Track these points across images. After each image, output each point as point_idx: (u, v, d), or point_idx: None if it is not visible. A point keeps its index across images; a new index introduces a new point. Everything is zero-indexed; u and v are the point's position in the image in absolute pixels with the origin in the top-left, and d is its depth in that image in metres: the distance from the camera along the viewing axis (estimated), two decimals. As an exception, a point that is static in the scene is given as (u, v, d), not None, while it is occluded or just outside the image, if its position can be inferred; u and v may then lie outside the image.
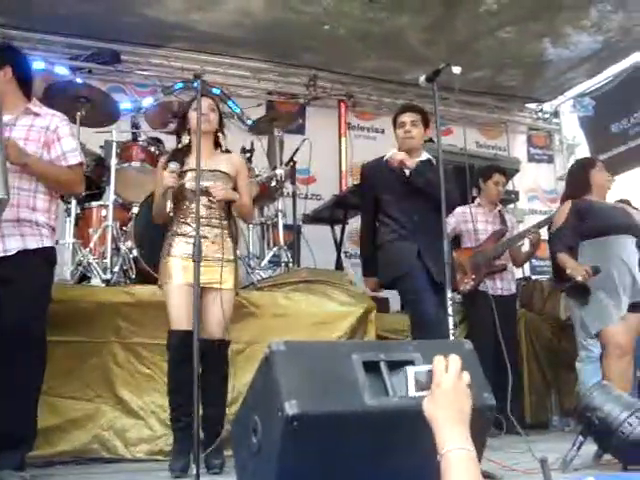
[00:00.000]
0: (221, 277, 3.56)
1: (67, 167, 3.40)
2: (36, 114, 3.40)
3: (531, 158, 9.29)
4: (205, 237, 3.57)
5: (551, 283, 6.14)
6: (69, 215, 4.88)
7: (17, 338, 3.10)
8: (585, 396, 3.47)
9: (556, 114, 9.29)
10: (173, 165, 3.65)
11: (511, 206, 7.17)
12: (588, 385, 4.10)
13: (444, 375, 1.55)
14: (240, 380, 3.89)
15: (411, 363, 2.28)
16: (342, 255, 6.73)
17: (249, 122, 6.46)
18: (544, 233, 5.33)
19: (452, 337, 3.38)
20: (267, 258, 5.56)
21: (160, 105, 5.87)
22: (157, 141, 5.34)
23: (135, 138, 5.31)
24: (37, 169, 3.29)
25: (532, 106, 9.19)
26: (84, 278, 4.66)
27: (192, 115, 3.76)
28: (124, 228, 4.89)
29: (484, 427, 2.38)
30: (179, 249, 3.65)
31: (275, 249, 5.60)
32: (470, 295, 5.37)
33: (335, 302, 4.69)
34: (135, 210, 4.82)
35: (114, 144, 4.94)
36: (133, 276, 4.68)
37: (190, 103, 3.91)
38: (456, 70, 3.62)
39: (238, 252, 4.12)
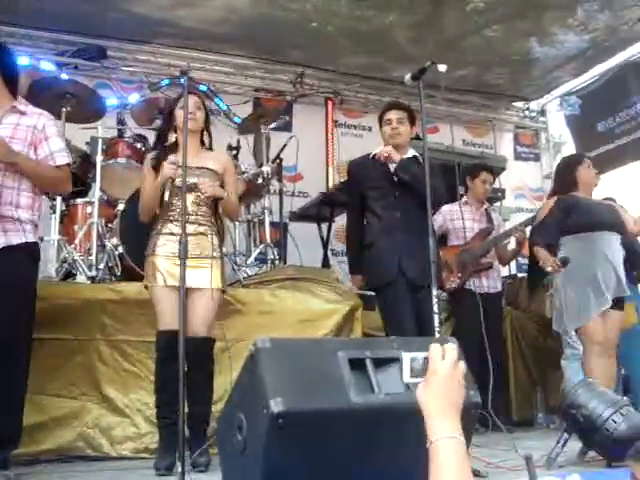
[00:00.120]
0: (211, 275, 3.57)
1: (55, 167, 3.39)
2: (22, 112, 3.37)
3: (518, 156, 9.32)
4: (191, 234, 3.56)
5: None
6: (54, 212, 4.85)
7: (1, 335, 3.08)
8: (570, 393, 3.48)
9: (543, 112, 9.32)
10: (173, 157, 3.65)
11: (498, 204, 7.17)
12: (573, 382, 4.11)
13: (440, 363, 1.52)
14: (226, 378, 3.87)
15: (397, 360, 2.29)
16: (329, 253, 6.73)
17: (236, 120, 6.44)
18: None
19: (437, 335, 3.38)
20: (253, 255, 5.55)
21: (146, 101, 5.83)
22: (142, 138, 5.32)
23: (121, 134, 5.29)
24: (26, 168, 3.27)
25: (519, 104, 9.21)
26: (69, 275, 4.63)
27: (178, 113, 3.75)
28: (110, 225, 4.87)
29: (469, 424, 2.38)
30: (164, 248, 3.63)
31: (261, 246, 5.59)
32: (456, 293, 5.39)
33: (321, 300, 4.69)
34: (121, 207, 4.81)
35: (100, 140, 4.91)
36: (118, 273, 4.66)
37: (176, 100, 3.90)
38: (442, 68, 3.63)
39: (224, 249, 4.10)
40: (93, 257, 4.63)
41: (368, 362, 2.30)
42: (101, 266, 4.63)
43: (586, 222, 4.51)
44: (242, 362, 2.34)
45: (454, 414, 1.47)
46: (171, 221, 3.68)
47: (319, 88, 8.11)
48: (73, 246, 4.67)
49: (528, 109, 9.28)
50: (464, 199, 5.67)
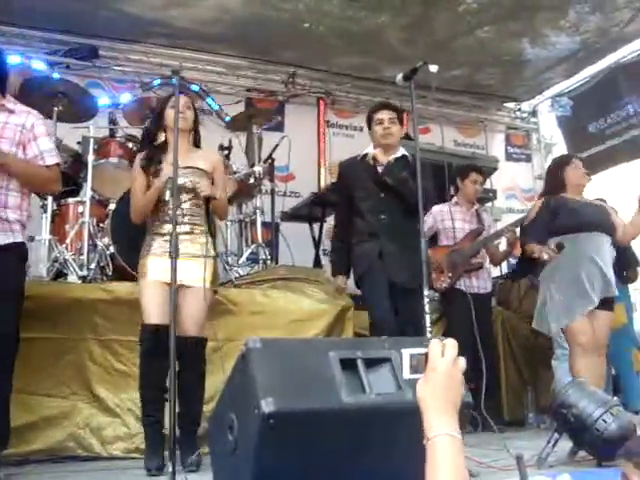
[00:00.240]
0: (204, 274, 3.56)
1: (45, 167, 3.37)
2: (11, 111, 3.35)
3: (509, 157, 9.34)
4: (184, 234, 3.56)
5: (526, 281, 6.18)
6: (45, 211, 4.82)
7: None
8: (560, 393, 3.48)
9: (534, 113, 9.34)
10: (165, 176, 3.64)
11: (489, 204, 7.20)
12: (564, 382, 4.12)
13: (440, 359, 1.51)
14: (217, 377, 3.85)
15: (388, 360, 2.29)
16: (320, 253, 6.73)
17: (226, 119, 6.43)
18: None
19: (429, 335, 3.38)
20: (245, 255, 5.54)
21: (138, 101, 5.82)
22: (134, 138, 5.30)
23: (113, 134, 5.27)
24: (15, 168, 3.25)
25: (510, 105, 9.23)
26: (60, 275, 4.61)
27: (168, 112, 3.75)
28: (101, 224, 4.85)
29: (461, 424, 2.38)
30: (159, 248, 3.63)
31: (253, 246, 5.59)
32: (447, 293, 5.40)
33: (313, 299, 4.69)
34: (112, 206, 4.79)
35: (91, 140, 4.89)
36: (110, 273, 4.64)
37: (166, 100, 3.90)
38: (433, 69, 3.64)
39: (217, 249, 4.11)
40: (84, 257, 4.61)
41: (359, 362, 2.30)
42: (92, 266, 4.61)
43: (573, 223, 4.48)
44: (233, 362, 2.33)
45: (452, 412, 1.47)
46: (164, 222, 3.67)
47: (311, 88, 8.10)
48: (64, 246, 4.65)
49: (519, 110, 9.30)
50: (454, 200, 5.68)
